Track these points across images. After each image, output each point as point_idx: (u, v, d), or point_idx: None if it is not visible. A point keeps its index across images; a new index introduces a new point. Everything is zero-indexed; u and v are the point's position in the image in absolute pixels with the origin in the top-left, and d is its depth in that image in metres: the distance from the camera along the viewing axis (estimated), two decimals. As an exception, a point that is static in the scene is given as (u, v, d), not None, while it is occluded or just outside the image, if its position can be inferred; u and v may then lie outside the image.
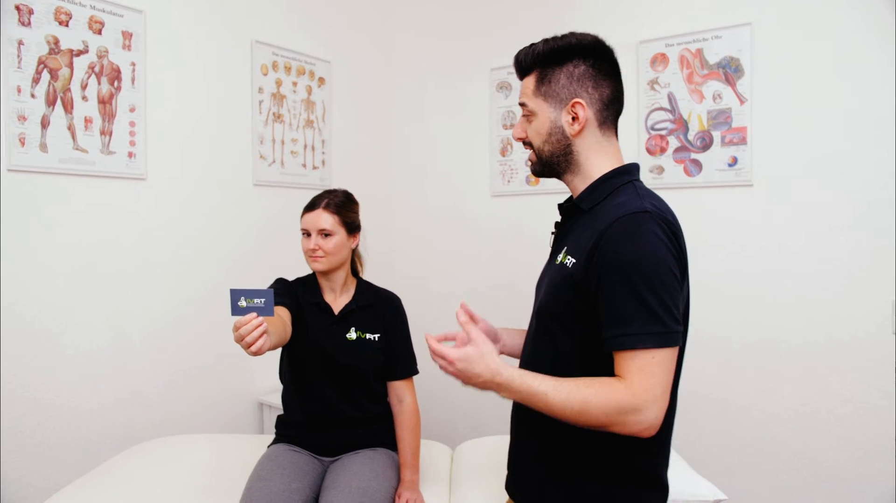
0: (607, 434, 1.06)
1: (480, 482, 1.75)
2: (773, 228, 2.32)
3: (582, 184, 1.21)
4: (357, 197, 1.90)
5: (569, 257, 1.14)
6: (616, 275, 1.03)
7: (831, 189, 2.21)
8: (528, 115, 1.23)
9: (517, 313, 2.94)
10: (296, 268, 2.01)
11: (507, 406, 3.13)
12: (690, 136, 2.49)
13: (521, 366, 1.27)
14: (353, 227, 1.79)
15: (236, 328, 1.21)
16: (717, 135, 2.43)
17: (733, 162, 2.40)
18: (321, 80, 2.93)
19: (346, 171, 3.05)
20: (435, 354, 1.11)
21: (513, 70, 2.90)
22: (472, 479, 1.79)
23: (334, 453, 1.75)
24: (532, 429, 1.21)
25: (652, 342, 1.01)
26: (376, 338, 1.76)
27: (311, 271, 1.85)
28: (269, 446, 1.78)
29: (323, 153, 2.96)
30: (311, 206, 1.77)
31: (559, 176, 1.25)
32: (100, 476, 1.77)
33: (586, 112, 1.17)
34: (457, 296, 3.19)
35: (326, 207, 1.74)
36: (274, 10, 2.73)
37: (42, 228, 2.00)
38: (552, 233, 1.32)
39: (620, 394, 1.01)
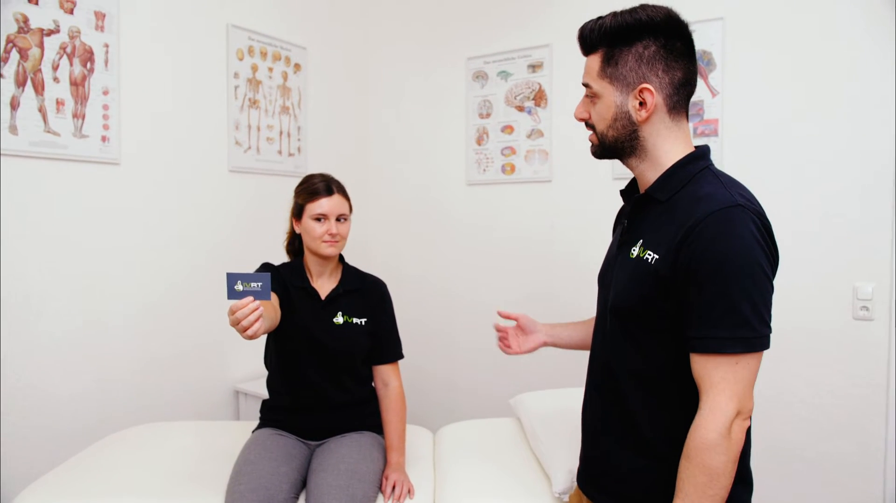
0: None
1: (464, 463, 1.78)
2: (742, 217, 2.40)
3: (651, 170, 1.13)
4: (333, 185, 1.92)
5: (649, 252, 1.06)
6: (706, 272, 0.98)
7: (796, 179, 2.30)
8: (593, 97, 1.14)
9: (491, 299, 2.99)
10: (272, 255, 2.00)
11: (480, 393, 3.15)
12: (663, 127, 2.55)
13: (596, 362, 1.23)
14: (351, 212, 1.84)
15: (232, 312, 1.20)
16: (689, 126, 2.50)
17: (704, 153, 2.47)
18: (297, 66, 2.90)
19: (322, 159, 3.03)
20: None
21: (489, 59, 2.96)
22: (455, 460, 1.82)
23: (321, 437, 1.76)
24: (621, 427, 1.14)
25: (739, 347, 0.97)
26: (363, 323, 1.77)
27: (287, 258, 1.86)
28: (253, 431, 1.78)
29: (299, 140, 2.93)
30: (322, 192, 1.73)
31: (622, 159, 1.17)
32: (81, 463, 1.74)
33: (655, 98, 1.08)
34: (432, 283, 3.21)
35: (341, 192, 1.77)
36: (249, -6, 2.69)
37: (13, 213, 1.94)
38: (622, 222, 1.22)
39: (712, 431, 0.97)
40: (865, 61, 2.17)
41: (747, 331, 0.97)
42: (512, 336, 1.56)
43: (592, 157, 1.25)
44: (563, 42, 2.76)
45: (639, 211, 1.17)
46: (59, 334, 2.06)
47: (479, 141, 3.02)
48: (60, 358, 2.06)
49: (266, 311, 1.37)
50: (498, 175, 2.98)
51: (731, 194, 1.03)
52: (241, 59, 2.63)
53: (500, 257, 3.00)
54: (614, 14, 1.11)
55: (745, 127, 2.39)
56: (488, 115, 2.99)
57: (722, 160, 2.42)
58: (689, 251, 0.99)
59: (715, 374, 0.98)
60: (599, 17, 1.14)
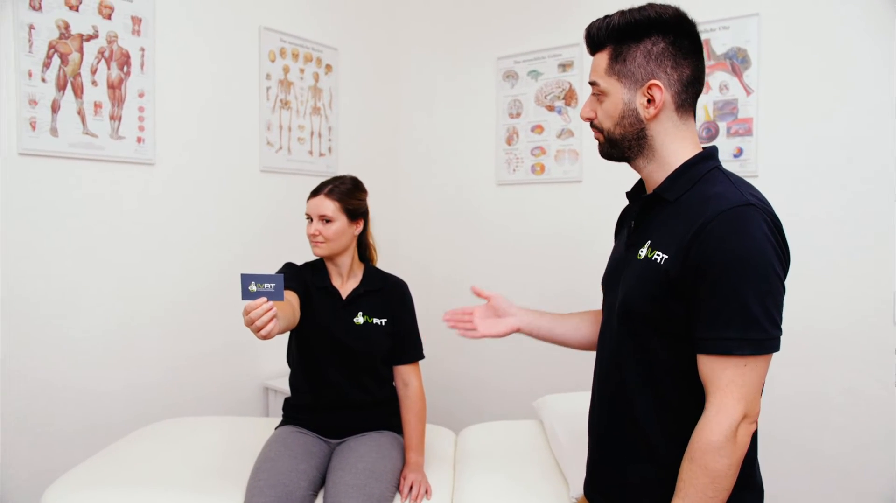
0: None
1: (484, 465, 1.78)
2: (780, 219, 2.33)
3: (658, 170, 1.12)
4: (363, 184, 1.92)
5: (657, 252, 1.04)
6: (717, 273, 0.96)
7: (834, 179, 2.22)
8: (599, 95, 1.13)
9: (521, 300, 2.96)
10: (302, 254, 2.03)
11: (507, 393, 3.14)
12: (697, 127, 2.49)
13: (603, 367, 1.21)
14: (355, 214, 1.80)
15: (246, 312, 1.23)
16: (722, 125, 2.44)
17: (739, 153, 2.40)
18: (328, 67, 2.94)
19: (353, 159, 3.06)
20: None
21: (519, 59, 2.94)
22: (475, 462, 1.81)
23: (341, 435, 1.78)
24: (628, 433, 1.12)
25: (749, 349, 0.95)
26: (383, 323, 1.78)
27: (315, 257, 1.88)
28: (276, 428, 1.81)
29: (329, 140, 2.97)
30: (314, 192, 1.79)
31: (629, 160, 1.15)
32: (108, 456, 1.80)
33: (663, 95, 1.08)
34: (461, 283, 3.21)
35: (329, 194, 1.75)
36: (282, -3, 2.74)
37: (51, 212, 2.02)
38: (630, 223, 1.20)
39: (717, 433, 0.96)
40: (909, 57, 2.08)
41: (758, 332, 0.95)
42: (480, 316, 1.43)
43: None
44: (594, 40, 2.72)
45: (647, 212, 1.15)
46: (95, 332, 2.13)
47: (509, 141, 3.01)
48: (95, 355, 2.14)
49: (283, 312, 1.40)
50: (528, 175, 2.96)
51: (743, 193, 1.01)
52: (272, 61, 2.68)
53: (530, 257, 2.98)
54: (622, 12, 1.11)
55: (781, 126, 2.32)
56: (518, 115, 2.97)
57: (757, 161, 2.36)
58: (700, 250, 0.98)
59: (723, 376, 0.97)
60: (606, 16, 1.13)
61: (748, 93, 2.38)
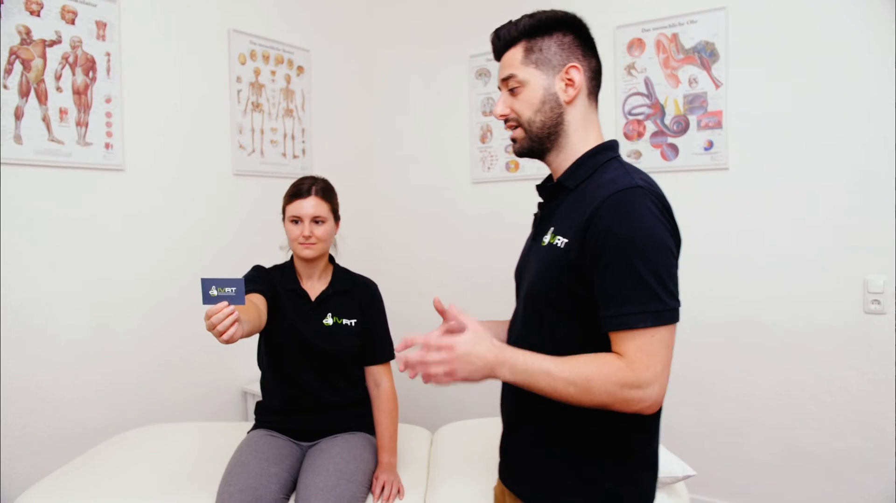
0: (604, 412, 1.03)
1: (459, 464, 1.78)
2: (748, 211, 2.36)
3: (565, 161, 1.18)
4: (338, 184, 1.92)
5: (558, 237, 1.09)
6: (612, 252, 1.01)
7: (803, 172, 2.24)
8: (516, 88, 1.17)
9: (499, 298, 2.97)
10: (277, 257, 2.02)
11: (489, 389, 3.14)
12: (667, 121, 2.51)
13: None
14: (337, 215, 1.82)
15: (208, 317, 1.22)
16: (693, 119, 2.45)
17: (709, 146, 2.42)
18: (300, 68, 2.93)
19: (328, 160, 3.05)
20: (430, 348, 1.02)
21: (491, 57, 2.92)
22: (450, 462, 1.81)
23: (313, 437, 1.77)
24: (527, 412, 1.17)
25: (651, 321, 0.99)
26: (353, 324, 1.78)
27: (286, 259, 1.87)
28: (248, 432, 1.80)
29: (303, 142, 2.96)
30: (300, 193, 1.75)
31: (544, 154, 1.20)
32: (83, 464, 1.79)
33: (581, 76, 1.15)
34: (440, 281, 3.21)
35: (318, 194, 1.75)
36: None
37: (19, 220, 1.99)
38: (535, 214, 1.27)
39: (622, 372, 0.99)
40: (870, 49, 2.10)
41: (657, 304, 1.00)
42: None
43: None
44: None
45: (551, 201, 1.21)
46: (67, 339, 2.11)
47: (483, 139, 3.01)
48: (69, 362, 2.11)
49: (247, 315, 1.39)
50: (502, 173, 2.96)
51: (633, 178, 1.07)
52: (243, 64, 2.66)
53: (507, 255, 2.98)
54: (529, 15, 1.19)
55: (749, 119, 2.34)
56: (491, 113, 2.97)
57: (727, 153, 2.38)
58: (594, 232, 1.03)
59: (632, 346, 1.00)
60: (511, 21, 1.20)
61: (717, 86, 2.40)
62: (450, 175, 3.15)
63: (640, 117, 2.57)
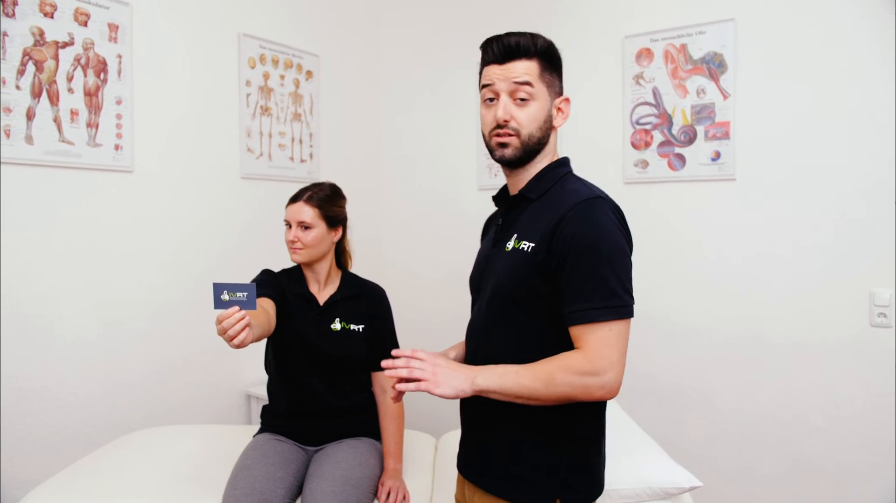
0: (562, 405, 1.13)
1: (463, 471, 1.78)
2: (755, 222, 2.36)
3: (529, 175, 1.27)
4: (345, 189, 1.91)
5: (524, 243, 1.18)
6: (576, 255, 1.11)
7: (810, 183, 2.24)
8: (527, 99, 1.21)
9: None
10: (283, 261, 2.03)
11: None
12: (675, 131, 2.52)
13: (472, 352, 1.31)
14: (334, 221, 1.80)
15: (219, 321, 1.23)
16: (700, 129, 2.46)
17: (716, 156, 2.43)
18: (309, 73, 2.94)
19: (334, 164, 3.06)
20: (409, 356, 1.11)
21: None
22: (454, 467, 1.81)
23: (318, 442, 1.77)
24: (489, 413, 1.23)
25: (611, 315, 1.10)
26: (360, 329, 1.78)
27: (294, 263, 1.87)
28: (254, 436, 1.80)
29: (311, 146, 2.97)
30: (293, 199, 1.79)
31: (522, 166, 1.26)
32: (87, 466, 1.79)
33: (569, 110, 1.28)
34: (443, 286, 3.21)
35: (308, 200, 1.76)
36: (261, 4, 2.73)
37: (28, 220, 2.00)
38: (496, 223, 1.33)
39: (580, 362, 1.09)
40: (878, 63, 2.11)
41: (616, 300, 1.11)
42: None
43: (511, 163, 1.28)
44: (572, 46, 2.74)
45: (512, 210, 1.29)
46: (74, 339, 2.12)
47: (491, 146, 3.01)
48: (75, 362, 2.12)
49: (257, 320, 1.39)
50: (509, 180, 2.96)
51: (592, 190, 1.20)
52: (252, 67, 2.68)
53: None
54: (541, 37, 1.24)
55: (757, 130, 2.35)
56: (499, 120, 2.98)
57: (735, 165, 2.38)
58: (560, 237, 1.13)
59: (592, 338, 1.10)
60: (530, 34, 1.24)
61: (725, 97, 2.40)
62: (455, 181, 3.16)
63: (648, 127, 2.58)
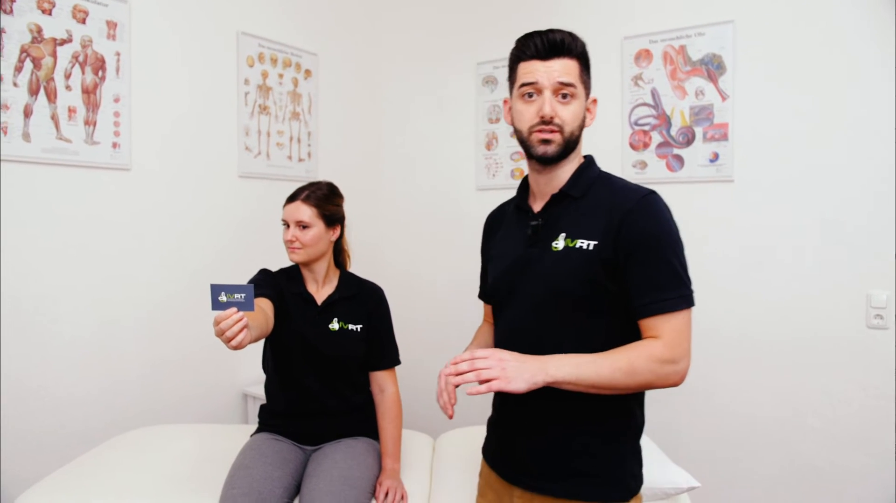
0: (619, 396, 1.16)
1: (461, 471, 1.78)
2: (753, 223, 2.36)
3: (565, 173, 1.26)
4: (343, 189, 1.91)
5: (581, 241, 1.18)
6: (646, 248, 1.14)
7: (808, 185, 2.25)
8: (570, 97, 1.21)
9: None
10: (280, 260, 2.02)
11: (488, 398, 3.14)
12: (673, 132, 2.52)
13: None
14: (332, 220, 1.80)
15: (217, 323, 1.22)
16: (699, 131, 2.46)
17: (714, 158, 2.43)
18: (308, 72, 2.93)
19: (333, 164, 3.06)
20: (477, 358, 1.07)
21: (499, 64, 2.96)
22: (452, 468, 1.81)
23: (316, 442, 1.77)
24: (566, 406, 1.20)
25: (683, 304, 1.14)
26: (359, 329, 1.78)
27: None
28: (251, 435, 1.80)
29: (309, 145, 2.96)
30: (291, 198, 1.78)
31: (557, 162, 1.24)
32: (84, 464, 1.78)
33: (596, 108, 1.30)
34: (442, 286, 3.21)
35: (305, 199, 1.75)
36: (260, 2, 2.73)
37: (26, 217, 1.99)
38: (531, 224, 1.27)
39: (661, 351, 1.11)
40: (876, 65, 2.11)
41: (685, 289, 1.15)
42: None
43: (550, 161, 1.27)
44: (572, 46, 2.74)
45: (550, 208, 1.27)
46: (71, 337, 2.11)
47: (489, 146, 3.02)
48: (71, 360, 2.11)
49: (255, 320, 1.39)
50: (507, 180, 2.97)
51: (640, 186, 1.23)
52: (251, 66, 2.67)
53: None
54: (579, 37, 1.26)
55: (755, 132, 2.35)
56: (498, 121, 2.98)
57: (733, 166, 2.39)
58: (627, 232, 1.15)
59: (667, 327, 1.13)
60: (570, 33, 1.25)
61: (724, 98, 2.41)
62: (454, 181, 3.16)
63: (646, 128, 2.58)
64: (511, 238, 1.34)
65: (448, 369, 1.10)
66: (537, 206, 1.30)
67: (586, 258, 1.17)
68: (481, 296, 1.58)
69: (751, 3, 2.33)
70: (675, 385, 1.15)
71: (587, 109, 1.26)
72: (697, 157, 2.47)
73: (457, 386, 1.10)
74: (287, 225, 1.76)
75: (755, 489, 2.38)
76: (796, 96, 2.26)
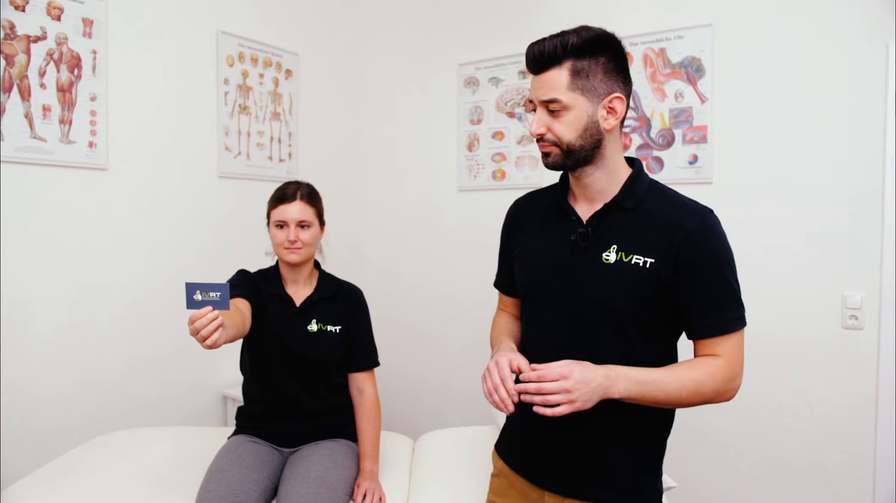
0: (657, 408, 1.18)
1: (440, 472, 1.78)
2: (731, 225, 2.34)
3: (605, 178, 1.20)
4: (324, 190, 1.90)
5: (636, 257, 1.15)
6: (708, 269, 1.14)
7: (785, 187, 2.27)
8: (559, 111, 1.15)
9: (482, 305, 2.97)
10: (260, 261, 2.01)
11: (469, 398, 3.12)
12: (653, 134, 2.54)
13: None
14: (322, 219, 1.81)
15: (191, 321, 1.21)
16: (678, 133, 2.48)
17: (693, 160, 2.45)
18: (288, 72, 2.92)
19: (314, 164, 3.04)
20: (546, 379, 1.06)
21: (480, 66, 2.96)
22: (431, 470, 1.81)
23: (294, 444, 1.75)
24: (612, 421, 1.19)
25: (741, 324, 1.17)
26: (337, 330, 1.77)
27: (271, 263, 1.85)
28: (229, 437, 1.78)
29: (290, 145, 2.94)
30: (285, 198, 1.74)
31: (577, 167, 1.20)
32: (60, 467, 1.76)
33: (623, 105, 1.17)
34: (424, 288, 3.21)
35: (303, 199, 1.74)
36: (240, 1, 2.70)
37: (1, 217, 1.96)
38: (583, 230, 1.21)
39: (725, 370, 1.15)
40: (854, 69, 2.14)
41: (742, 309, 1.18)
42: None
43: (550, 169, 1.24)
44: (553, 48, 2.75)
45: (603, 218, 1.21)
46: (48, 337, 2.08)
47: (470, 147, 3.02)
48: (49, 360, 2.08)
49: (232, 320, 1.37)
50: (489, 181, 2.97)
51: (697, 202, 1.21)
52: (231, 66, 2.65)
53: (492, 262, 2.99)
54: (577, 31, 1.16)
55: (733, 134, 2.37)
56: (479, 122, 2.98)
57: (712, 169, 2.41)
58: (690, 251, 1.13)
59: (727, 346, 1.16)
60: (560, 35, 1.16)
61: (703, 101, 2.43)
62: (436, 182, 3.15)
63: (627, 130, 2.59)
64: (549, 237, 1.27)
65: (520, 389, 1.08)
66: (581, 210, 1.24)
67: (642, 274, 1.14)
68: (500, 286, 1.50)
69: (729, 7, 2.36)
70: (730, 400, 1.19)
71: (608, 109, 1.16)
72: (677, 159, 2.49)
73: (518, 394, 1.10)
74: (280, 226, 1.73)
75: (733, 489, 2.40)
76: (773, 99, 2.29)
